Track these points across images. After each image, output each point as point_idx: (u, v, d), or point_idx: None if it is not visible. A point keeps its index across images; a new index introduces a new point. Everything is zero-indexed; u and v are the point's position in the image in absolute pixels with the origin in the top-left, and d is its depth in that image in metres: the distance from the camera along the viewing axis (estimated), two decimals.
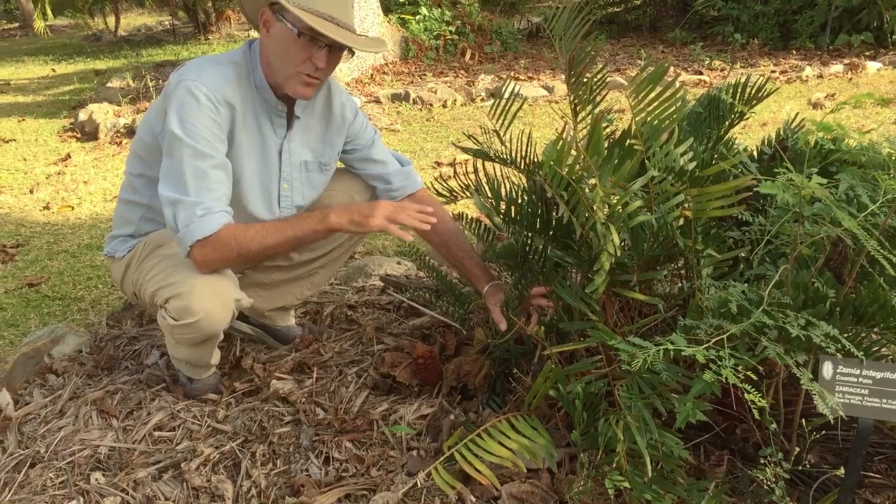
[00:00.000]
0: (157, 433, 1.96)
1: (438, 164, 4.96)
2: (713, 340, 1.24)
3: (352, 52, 1.91)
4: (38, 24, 12.95)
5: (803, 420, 1.56)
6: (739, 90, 1.78)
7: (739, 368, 1.21)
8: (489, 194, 1.86)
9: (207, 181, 1.78)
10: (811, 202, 1.34)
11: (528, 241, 1.83)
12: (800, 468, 1.51)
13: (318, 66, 1.82)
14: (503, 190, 1.88)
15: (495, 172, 1.91)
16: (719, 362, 1.21)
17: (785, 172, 1.32)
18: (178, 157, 1.78)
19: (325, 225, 1.81)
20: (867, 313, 1.37)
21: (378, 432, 1.88)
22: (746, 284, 1.45)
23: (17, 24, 17.72)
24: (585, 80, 1.69)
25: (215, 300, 1.86)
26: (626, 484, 1.42)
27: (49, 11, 12.71)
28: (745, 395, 1.21)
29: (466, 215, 2.21)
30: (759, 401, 1.21)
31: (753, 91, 1.76)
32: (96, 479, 1.79)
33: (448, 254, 2.10)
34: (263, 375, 2.17)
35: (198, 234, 1.75)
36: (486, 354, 2.01)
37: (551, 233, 1.75)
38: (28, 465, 1.86)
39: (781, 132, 1.90)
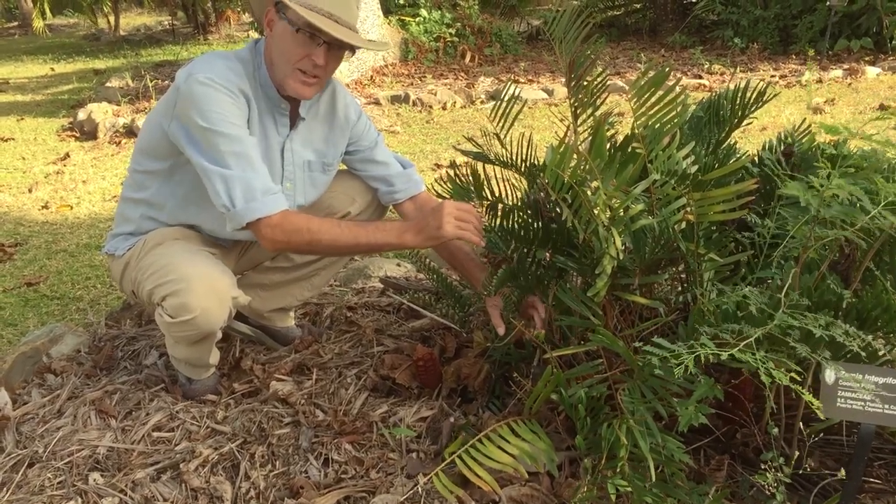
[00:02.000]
0: (155, 434, 1.95)
1: (438, 166, 4.96)
2: (742, 344, 1.23)
3: (353, 52, 1.91)
4: (37, 24, 12.95)
5: (803, 424, 1.56)
6: (741, 95, 1.78)
7: (781, 370, 1.21)
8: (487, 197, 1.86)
9: (251, 161, 1.80)
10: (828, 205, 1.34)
11: (526, 252, 1.83)
12: (800, 473, 1.51)
13: (317, 63, 1.82)
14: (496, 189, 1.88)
15: (495, 176, 1.90)
16: (762, 365, 1.20)
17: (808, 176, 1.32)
18: (213, 148, 1.78)
19: (401, 241, 1.81)
20: (870, 317, 1.36)
21: (378, 434, 1.88)
22: (748, 288, 1.45)
23: (16, 24, 17.71)
24: (586, 83, 1.69)
25: (212, 297, 1.86)
26: (628, 488, 1.42)
27: (48, 10, 12.71)
28: (802, 396, 1.21)
29: None
30: (814, 401, 1.21)
31: (755, 96, 1.76)
32: (94, 480, 1.78)
33: (449, 256, 2.10)
34: (263, 376, 2.16)
35: (259, 213, 1.77)
36: (485, 357, 2.01)
37: (550, 244, 1.76)
38: (26, 465, 1.85)
39: (784, 136, 1.90)
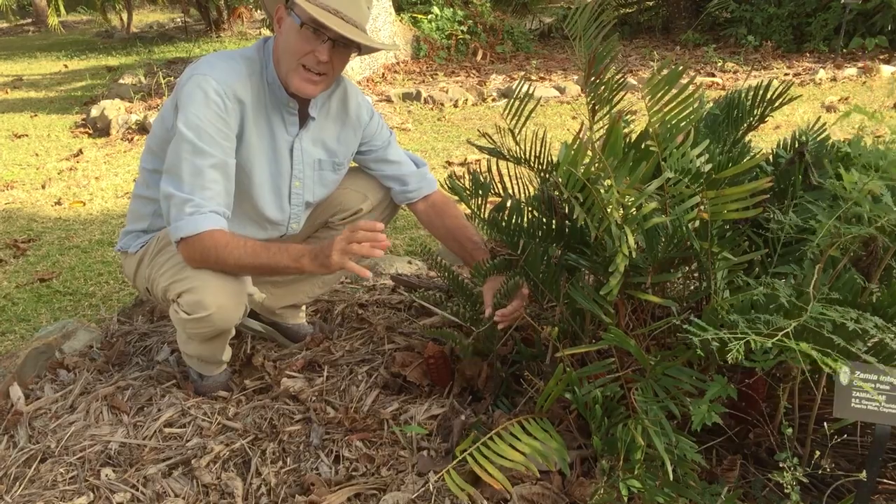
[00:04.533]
0: (167, 430, 1.96)
1: (449, 163, 4.95)
2: (780, 335, 1.22)
3: (360, 51, 1.91)
4: (52, 20, 13.03)
5: (823, 425, 1.55)
6: (759, 94, 1.77)
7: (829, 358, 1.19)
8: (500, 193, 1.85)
9: (202, 179, 1.80)
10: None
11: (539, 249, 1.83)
12: (815, 474, 1.50)
13: (321, 59, 1.81)
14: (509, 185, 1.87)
15: (509, 173, 1.90)
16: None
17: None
18: (179, 151, 1.80)
19: (298, 265, 1.80)
20: (887, 314, 1.35)
21: (388, 432, 1.88)
22: (775, 282, 1.43)
23: (29, 20, 17.81)
24: (605, 79, 1.68)
25: (228, 294, 1.86)
26: (640, 488, 1.41)
27: (62, 7, 12.78)
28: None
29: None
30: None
31: (776, 94, 1.75)
32: (106, 475, 1.79)
33: (458, 247, 2.11)
34: (274, 373, 2.17)
35: (182, 233, 1.78)
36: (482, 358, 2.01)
37: (562, 241, 1.75)
38: (38, 459, 1.86)
39: (798, 135, 1.88)
